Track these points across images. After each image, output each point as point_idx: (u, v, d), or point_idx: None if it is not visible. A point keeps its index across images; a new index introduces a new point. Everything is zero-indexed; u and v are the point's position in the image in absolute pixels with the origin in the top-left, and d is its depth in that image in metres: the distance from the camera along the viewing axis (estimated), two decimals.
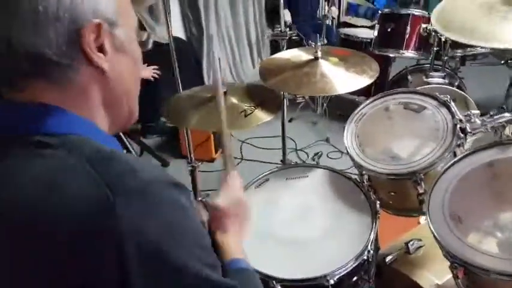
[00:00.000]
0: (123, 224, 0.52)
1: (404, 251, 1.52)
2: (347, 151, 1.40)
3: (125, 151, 0.77)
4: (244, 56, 4.36)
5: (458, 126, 1.28)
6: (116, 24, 0.63)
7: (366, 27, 4.37)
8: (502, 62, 4.58)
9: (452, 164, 1.22)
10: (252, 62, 4.44)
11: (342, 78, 1.52)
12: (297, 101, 1.69)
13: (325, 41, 3.18)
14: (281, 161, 2.14)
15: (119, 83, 0.66)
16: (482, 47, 2.85)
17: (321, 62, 1.58)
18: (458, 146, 1.28)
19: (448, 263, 1.38)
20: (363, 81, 1.50)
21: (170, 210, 0.58)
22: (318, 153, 1.47)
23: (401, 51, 2.94)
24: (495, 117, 1.35)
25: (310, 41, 1.87)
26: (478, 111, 1.35)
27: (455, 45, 2.88)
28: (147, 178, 0.57)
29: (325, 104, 3.37)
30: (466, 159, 1.22)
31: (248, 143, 3.33)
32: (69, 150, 0.58)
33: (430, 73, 2.96)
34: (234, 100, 1.56)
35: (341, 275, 1.18)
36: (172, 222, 0.58)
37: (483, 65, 4.31)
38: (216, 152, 3.19)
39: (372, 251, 1.25)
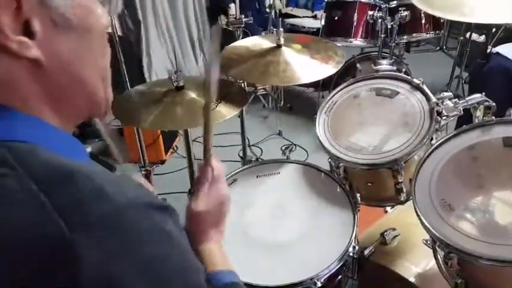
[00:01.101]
0: (85, 271, 0.39)
1: (380, 241, 1.47)
2: (320, 143, 1.31)
3: None
4: (186, 52, 4.18)
5: (435, 109, 1.23)
6: None
7: (308, 17, 4.37)
8: (438, 48, 4.80)
9: (434, 149, 1.16)
10: (194, 58, 4.27)
11: (308, 66, 1.43)
12: (258, 93, 1.58)
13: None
14: (241, 157, 2.03)
15: (63, 71, 0.49)
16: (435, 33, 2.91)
17: (284, 49, 1.47)
18: (436, 130, 1.23)
19: (424, 250, 1.37)
20: (330, 68, 1.41)
21: (152, 244, 0.44)
22: (288, 146, 1.35)
23: (349, 39, 2.92)
24: (467, 98, 1.32)
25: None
26: (450, 94, 1.32)
27: (402, 31, 2.91)
28: (119, 202, 0.43)
29: (275, 97, 3.29)
30: (447, 143, 1.17)
31: (198, 142, 3.17)
32: (10, 167, 0.42)
33: (378, 60, 2.97)
34: (193, 95, 1.41)
35: (328, 275, 1.09)
36: (155, 262, 0.44)
37: (423, 52, 4.46)
38: (166, 153, 3.00)
39: (356, 247, 1.17)
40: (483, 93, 1.34)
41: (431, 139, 1.24)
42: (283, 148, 3.11)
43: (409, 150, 1.19)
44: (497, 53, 2.63)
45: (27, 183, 0.41)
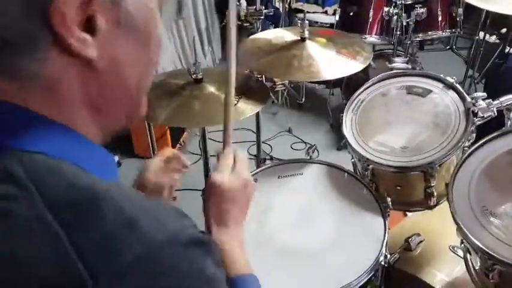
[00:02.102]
0: None
1: (404, 248, 1.41)
2: (348, 143, 1.24)
3: None
4: (194, 38, 4.11)
5: (471, 110, 1.16)
6: None
7: (318, 13, 4.29)
8: (448, 47, 4.73)
9: (471, 153, 1.10)
10: (202, 51, 4.20)
11: (334, 61, 1.36)
12: (276, 89, 1.52)
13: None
14: (254, 155, 1.96)
15: (114, 76, 0.43)
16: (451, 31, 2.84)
17: (308, 43, 1.40)
18: (472, 132, 1.17)
19: (451, 256, 1.32)
20: (358, 64, 1.34)
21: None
22: (312, 146, 1.29)
23: (364, 36, 2.84)
24: (501, 99, 1.25)
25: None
26: (484, 94, 1.25)
27: (418, 29, 2.84)
28: (156, 240, 0.35)
29: (285, 93, 3.22)
30: (485, 147, 1.10)
31: (210, 138, 3.11)
32: (20, 187, 0.34)
33: (393, 58, 2.91)
34: (212, 89, 1.34)
35: (358, 286, 1.03)
36: None
37: (432, 51, 4.39)
38: (173, 148, 2.93)
39: (388, 255, 1.11)
40: None
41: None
42: (293, 146, 3.05)
43: (445, 152, 1.12)
44: None
45: (41, 209, 0.33)
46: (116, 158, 2.81)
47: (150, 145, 1.79)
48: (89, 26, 0.38)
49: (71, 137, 0.41)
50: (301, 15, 3.80)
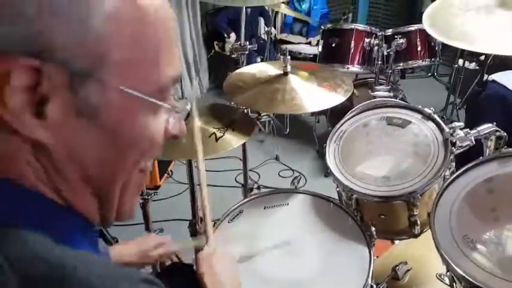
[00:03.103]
0: None
1: (392, 277, 1.41)
2: (332, 173, 1.26)
3: None
4: (182, 76, 4.17)
5: (449, 140, 1.20)
6: (94, 78, 0.38)
7: (302, 43, 4.40)
8: (430, 74, 4.87)
9: (451, 182, 1.13)
10: (190, 81, 4.25)
11: (316, 94, 1.39)
12: (261, 120, 1.56)
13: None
14: (242, 184, 1.97)
15: (72, 163, 0.41)
16: (430, 60, 2.93)
17: (291, 77, 1.44)
18: (451, 161, 1.20)
19: (438, 285, 1.32)
20: (339, 97, 1.38)
21: None
22: (297, 176, 1.30)
23: (346, 65, 2.93)
24: (478, 128, 1.29)
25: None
26: (461, 124, 1.29)
27: (398, 58, 2.93)
28: None
29: (272, 122, 3.26)
30: (464, 176, 1.13)
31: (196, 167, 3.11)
32: None
33: (376, 87, 2.98)
34: (198, 122, 1.36)
35: None
36: None
37: (415, 78, 4.50)
38: (160, 178, 2.93)
39: (374, 285, 1.11)
40: (494, 123, 1.32)
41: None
42: (281, 173, 3.07)
43: (426, 181, 1.15)
44: (494, 81, 2.64)
45: (10, 279, 0.34)
46: None
47: None
48: (41, 107, 0.37)
49: (43, 204, 0.41)
50: (284, 46, 3.89)
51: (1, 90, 0.35)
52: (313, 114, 3.36)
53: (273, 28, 4.34)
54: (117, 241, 2.21)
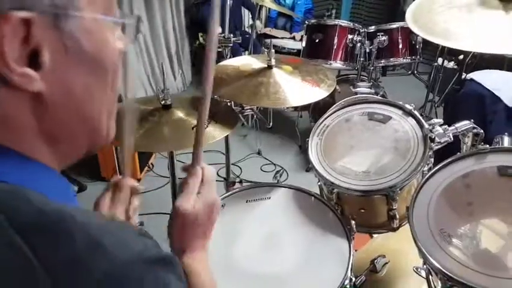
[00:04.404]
0: None
1: (370, 269, 1.44)
2: (314, 167, 1.28)
3: None
4: (164, 67, 4.13)
5: (428, 136, 1.22)
6: (70, 13, 0.40)
7: (286, 38, 4.41)
8: (410, 72, 4.94)
9: (429, 177, 1.15)
10: (172, 73, 4.21)
11: (299, 88, 1.40)
12: (245, 113, 1.56)
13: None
14: (224, 178, 1.97)
15: (68, 106, 0.43)
16: (411, 58, 2.97)
17: (275, 70, 1.44)
18: (429, 157, 1.23)
19: (415, 278, 1.35)
20: (322, 92, 1.39)
21: None
22: (279, 171, 1.31)
23: (329, 61, 2.95)
24: (456, 125, 1.33)
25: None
26: (440, 120, 1.32)
27: (380, 55, 2.97)
28: (121, 258, 0.37)
29: (254, 116, 3.26)
30: (442, 171, 1.16)
31: (179, 161, 3.09)
32: None
33: (357, 83, 3.01)
34: (180, 114, 1.35)
35: None
36: None
37: (396, 76, 4.56)
38: (141, 171, 2.90)
39: (353, 279, 1.13)
40: (472, 120, 1.35)
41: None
42: (263, 168, 3.08)
43: (405, 176, 1.17)
44: (471, 80, 2.70)
45: (10, 235, 0.34)
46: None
47: (117, 168, 1.78)
48: (33, 58, 0.38)
49: (32, 166, 0.42)
50: (268, 40, 3.89)
51: (0, 49, 0.36)
52: (295, 109, 3.37)
53: (257, 22, 4.33)
54: None
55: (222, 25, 3.34)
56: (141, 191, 0.82)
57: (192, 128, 1.27)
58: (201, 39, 4.12)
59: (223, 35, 1.68)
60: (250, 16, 4.40)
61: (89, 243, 0.36)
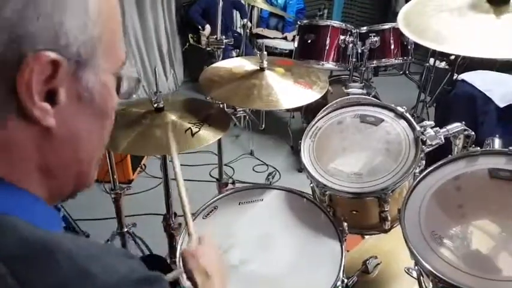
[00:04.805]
0: None
1: (362, 270, 1.45)
2: (306, 169, 1.28)
3: None
4: (156, 67, 4.11)
5: (420, 138, 1.23)
6: (90, 64, 0.42)
7: (278, 38, 4.41)
8: (401, 72, 4.97)
9: (421, 180, 1.16)
10: (164, 74, 4.19)
11: (292, 90, 1.40)
12: (237, 115, 1.55)
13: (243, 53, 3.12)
14: (216, 179, 1.97)
15: (69, 146, 0.45)
16: (403, 59, 2.98)
17: (267, 73, 1.44)
18: (421, 159, 1.23)
19: (406, 278, 1.36)
20: (314, 94, 1.39)
21: None
22: (272, 172, 1.32)
23: (321, 62, 2.95)
24: (448, 127, 1.34)
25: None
26: (431, 122, 1.33)
27: (372, 56, 2.98)
28: (109, 281, 0.38)
29: (247, 117, 3.27)
30: (434, 174, 1.17)
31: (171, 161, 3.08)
32: None
33: (350, 84, 3.02)
34: (173, 117, 1.35)
35: None
36: None
37: (388, 76, 4.59)
38: (133, 172, 2.89)
39: (345, 280, 1.14)
40: (463, 122, 1.36)
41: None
42: (255, 168, 3.08)
43: (397, 178, 1.18)
44: (463, 80, 2.72)
45: None
46: None
47: (110, 170, 1.77)
48: (50, 96, 0.40)
49: (16, 193, 0.42)
50: (261, 40, 3.90)
51: (29, 82, 0.38)
52: (288, 110, 3.38)
53: (249, 22, 4.33)
54: (88, 236, 2.18)
55: (215, 27, 3.34)
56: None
57: (185, 131, 1.27)
58: (191, 40, 4.11)
59: (215, 36, 1.67)
60: (241, 16, 4.39)
61: (75, 271, 0.37)
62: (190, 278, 0.81)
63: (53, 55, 0.38)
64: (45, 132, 0.41)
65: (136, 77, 0.55)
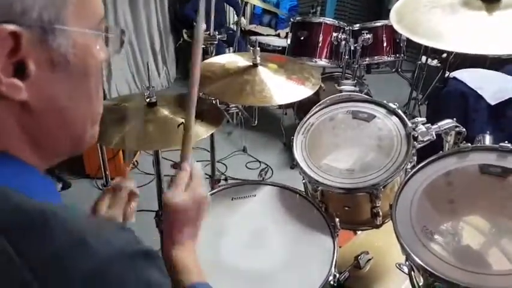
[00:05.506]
0: None
1: (354, 266, 1.46)
2: (299, 166, 1.28)
3: None
4: (149, 65, 4.09)
5: (411, 134, 1.24)
6: (58, 28, 0.41)
7: (271, 35, 4.41)
8: (394, 70, 4.99)
9: (412, 175, 1.17)
10: (156, 70, 4.18)
11: (285, 87, 1.41)
12: (230, 111, 1.55)
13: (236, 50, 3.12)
14: (209, 175, 1.97)
15: (52, 114, 0.44)
16: (395, 56, 2.99)
17: (261, 69, 1.44)
18: (412, 155, 1.24)
19: (398, 274, 1.37)
20: (307, 90, 1.40)
21: None
22: (264, 168, 1.32)
23: (314, 59, 2.96)
24: (439, 124, 1.35)
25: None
26: (423, 119, 1.33)
27: (365, 53, 2.99)
28: (104, 254, 0.38)
29: (240, 114, 3.26)
30: (425, 169, 1.18)
31: (164, 158, 3.06)
32: None
33: (342, 81, 3.03)
34: (166, 112, 1.34)
35: None
36: None
37: (380, 73, 4.61)
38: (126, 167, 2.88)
39: (337, 275, 1.14)
40: (454, 118, 1.37)
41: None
42: (248, 165, 3.08)
43: (389, 174, 1.19)
44: (454, 78, 2.74)
45: None
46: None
47: (102, 165, 1.76)
48: (20, 69, 0.39)
49: (13, 165, 0.43)
50: (254, 37, 3.89)
51: None
52: (280, 106, 3.38)
53: (242, 18, 4.33)
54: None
55: (207, 22, 3.31)
56: (138, 193, 0.84)
57: (178, 126, 1.26)
58: (185, 35, 4.09)
59: (208, 32, 1.67)
60: (235, 12, 4.38)
61: (71, 240, 0.37)
62: (163, 233, 0.75)
63: (10, 27, 0.37)
64: (22, 106, 0.41)
65: (120, 28, 0.53)
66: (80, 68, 0.45)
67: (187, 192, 0.72)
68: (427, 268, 0.97)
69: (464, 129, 1.35)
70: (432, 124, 1.33)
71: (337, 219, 1.23)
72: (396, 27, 1.09)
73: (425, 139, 1.28)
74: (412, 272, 1.16)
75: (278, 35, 4.34)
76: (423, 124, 1.33)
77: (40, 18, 0.39)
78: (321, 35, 2.93)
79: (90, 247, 0.37)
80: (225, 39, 1.81)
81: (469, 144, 1.17)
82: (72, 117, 0.47)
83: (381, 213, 1.28)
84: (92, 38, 0.46)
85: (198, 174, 0.76)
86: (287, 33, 3.21)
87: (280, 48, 3.67)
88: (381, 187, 1.20)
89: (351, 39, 2.96)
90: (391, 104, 1.32)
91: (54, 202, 0.44)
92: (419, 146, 1.30)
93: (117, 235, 0.42)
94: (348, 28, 2.98)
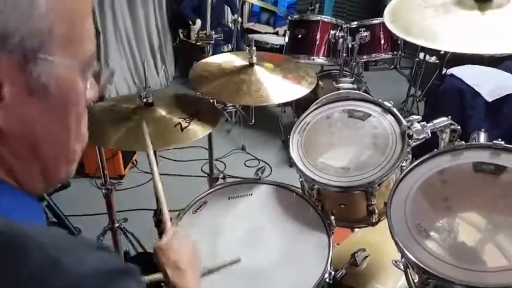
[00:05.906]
0: None
1: (351, 263, 1.47)
2: (295, 164, 1.29)
3: None
4: (147, 63, 4.09)
5: (406, 132, 1.25)
6: (41, 57, 0.40)
7: (269, 33, 4.41)
8: (392, 67, 4.98)
9: (407, 173, 1.18)
10: (155, 69, 4.18)
11: (281, 86, 1.41)
12: (227, 110, 1.56)
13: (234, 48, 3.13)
14: (207, 174, 1.97)
15: (26, 143, 0.43)
16: (392, 53, 2.99)
17: (257, 68, 1.45)
18: (408, 153, 1.25)
19: (394, 271, 1.39)
20: (303, 89, 1.40)
21: None
22: (261, 167, 1.33)
23: (312, 57, 2.97)
24: (434, 122, 1.35)
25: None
26: (418, 117, 1.34)
27: (362, 51, 3.00)
28: (78, 274, 0.39)
29: (238, 112, 3.27)
30: (420, 167, 1.19)
31: (162, 156, 3.08)
32: None
33: (340, 79, 3.04)
34: (163, 112, 1.35)
35: None
36: None
37: (378, 70, 4.61)
38: (125, 167, 2.89)
39: (332, 272, 1.16)
40: (449, 116, 1.38)
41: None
42: (247, 163, 3.09)
43: (383, 173, 1.20)
44: (452, 75, 2.75)
45: None
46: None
47: (100, 165, 1.77)
48: None
49: None
50: (251, 35, 3.90)
51: None
52: (279, 105, 3.39)
53: (239, 17, 4.33)
54: (79, 231, 2.18)
55: (204, 22, 3.30)
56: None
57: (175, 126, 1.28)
58: (181, 35, 4.10)
59: (204, 32, 1.68)
60: (231, 11, 4.38)
61: (47, 260, 0.38)
62: (162, 271, 0.83)
63: None
64: None
65: (111, 69, 0.54)
66: (61, 101, 0.44)
67: (178, 237, 0.88)
68: (421, 265, 0.98)
69: (459, 127, 1.36)
70: (428, 122, 1.34)
71: (332, 217, 1.24)
72: (390, 27, 1.10)
73: (420, 137, 1.29)
74: (408, 269, 1.17)
75: (276, 33, 4.34)
76: (418, 122, 1.33)
77: (21, 45, 0.38)
78: (318, 32, 2.94)
79: (63, 267, 0.38)
80: (221, 38, 1.82)
81: (463, 142, 1.18)
82: (46, 150, 0.45)
83: (376, 211, 1.29)
84: (78, 72, 0.45)
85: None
86: (285, 31, 3.22)
87: (278, 46, 3.68)
88: (376, 185, 1.20)
89: (348, 37, 2.96)
90: (386, 103, 1.33)
91: (35, 221, 0.45)
92: (414, 144, 1.31)
93: (93, 253, 0.42)
94: (345, 26, 2.98)
